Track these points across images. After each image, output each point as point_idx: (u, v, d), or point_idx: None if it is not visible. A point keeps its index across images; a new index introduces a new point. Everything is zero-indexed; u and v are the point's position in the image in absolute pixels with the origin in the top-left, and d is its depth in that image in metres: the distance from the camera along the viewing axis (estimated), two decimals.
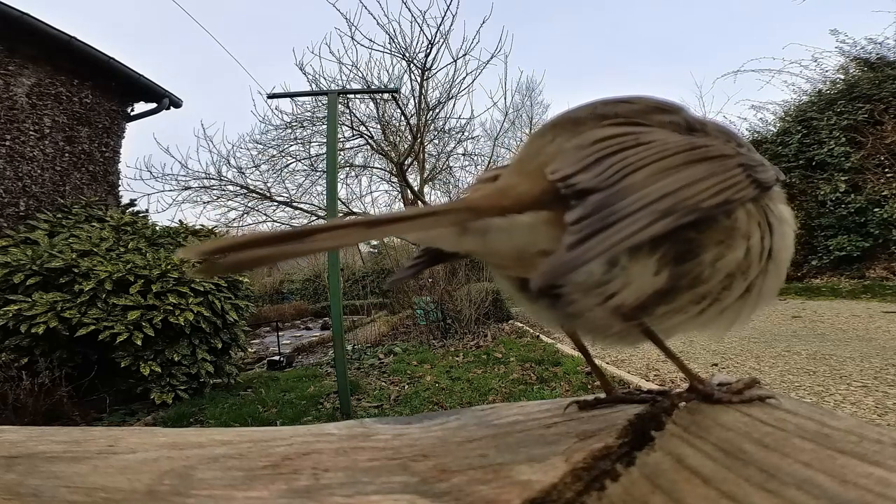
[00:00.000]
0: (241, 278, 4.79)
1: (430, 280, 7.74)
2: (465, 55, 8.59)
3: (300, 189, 9.97)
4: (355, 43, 8.98)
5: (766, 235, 0.34)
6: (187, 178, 9.23)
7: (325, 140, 8.10)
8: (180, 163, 9.67)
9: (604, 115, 0.36)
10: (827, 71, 10.53)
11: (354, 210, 10.25)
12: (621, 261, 0.31)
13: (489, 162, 11.28)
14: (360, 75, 8.82)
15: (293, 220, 10.12)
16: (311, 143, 9.84)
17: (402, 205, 10.32)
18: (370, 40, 8.38)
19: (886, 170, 8.79)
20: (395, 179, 10.14)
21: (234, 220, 9.82)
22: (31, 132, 4.91)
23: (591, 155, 0.31)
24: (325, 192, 4.73)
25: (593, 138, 0.33)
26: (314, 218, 9.90)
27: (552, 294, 0.34)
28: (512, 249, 0.32)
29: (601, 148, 0.32)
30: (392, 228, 0.28)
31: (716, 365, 4.19)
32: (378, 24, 8.58)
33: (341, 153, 9.85)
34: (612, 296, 0.32)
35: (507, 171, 0.37)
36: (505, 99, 17.14)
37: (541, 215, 0.31)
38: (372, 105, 9.68)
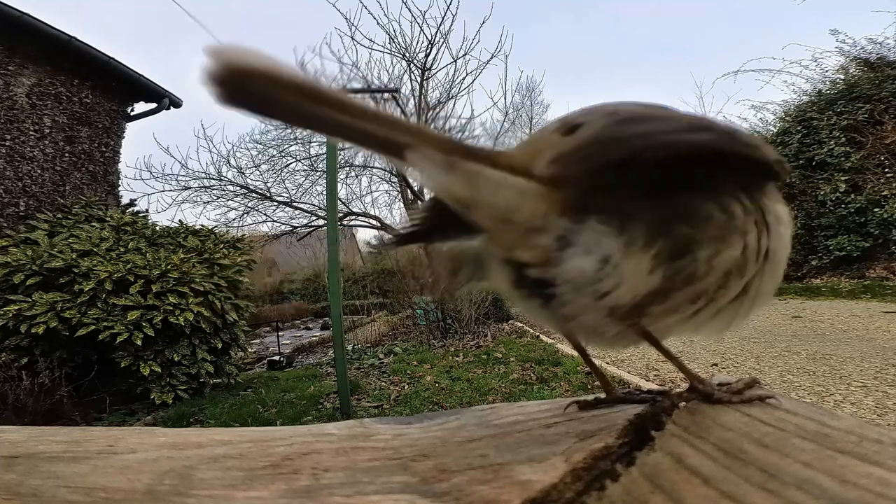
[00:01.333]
0: (241, 278, 4.79)
1: (430, 280, 7.73)
2: (465, 55, 8.59)
3: (300, 189, 9.97)
4: (355, 43, 8.97)
5: (763, 234, 0.34)
6: (187, 178, 9.23)
7: (325, 140, 8.10)
8: (180, 163, 9.64)
9: (615, 112, 0.36)
10: (827, 71, 10.54)
11: (354, 210, 10.25)
12: (614, 257, 0.31)
13: None
14: (360, 75, 8.84)
15: (293, 220, 10.13)
16: (311, 143, 9.83)
17: (402, 205, 10.32)
18: (370, 40, 8.40)
19: (886, 170, 8.79)
20: (395, 179, 10.13)
21: (234, 220, 9.82)
22: (31, 132, 4.91)
23: (595, 117, 0.33)
24: (325, 192, 4.73)
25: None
26: (314, 218, 9.89)
27: (545, 294, 0.34)
28: (497, 209, 0.32)
29: (606, 112, 0.34)
30: (390, 129, 0.29)
31: (716, 365, 4.19)
32: (378, 24, 8.58)
33: (341, 153, 9.84)
34: (606, 295, 0.32)
35: (510, 150, 0.37)
36: (505, 99, 17.12)
37: (532, 185, 0.31)
38: (372, 105, 9.66)
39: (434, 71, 8.69)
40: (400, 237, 0.41)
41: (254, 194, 9.58)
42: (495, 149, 0.36)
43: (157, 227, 5.04)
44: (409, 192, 9.67)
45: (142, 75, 6.03)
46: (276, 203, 9.76)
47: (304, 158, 9.87)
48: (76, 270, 3.82)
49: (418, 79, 8.70)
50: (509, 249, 0.34)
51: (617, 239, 0.31)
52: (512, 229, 0.32)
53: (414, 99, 9.02)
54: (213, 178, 9.31)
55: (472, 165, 0.30)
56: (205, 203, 9.40)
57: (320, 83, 0.27)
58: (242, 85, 0.26)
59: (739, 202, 0.33)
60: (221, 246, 4.96)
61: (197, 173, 9.28)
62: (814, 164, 9.45)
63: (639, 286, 0.32)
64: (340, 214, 9.27)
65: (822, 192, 9.18)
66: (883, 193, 8.59)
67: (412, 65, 8.55)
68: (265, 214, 10.00)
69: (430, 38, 8.18)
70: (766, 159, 0.34)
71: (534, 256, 0.33)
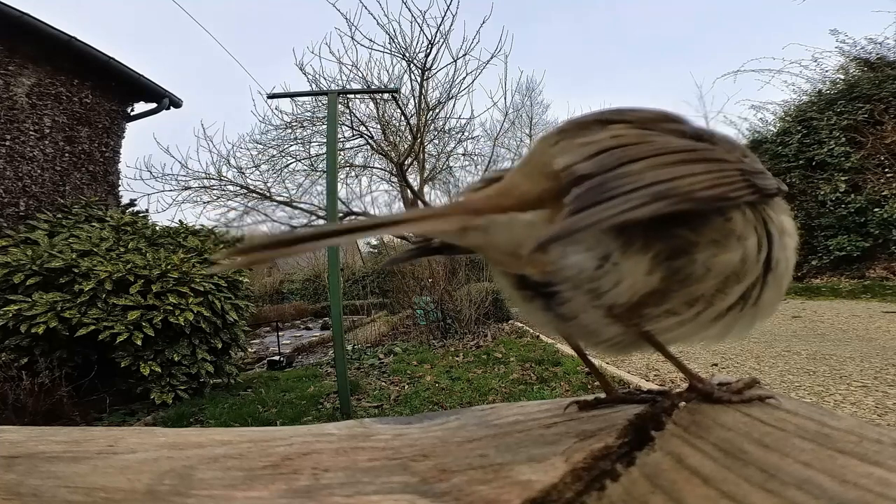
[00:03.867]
0: (241, 278, 4.79)
1: (430, 280, 7.73)
2: (465, 55, 8.58)
3: (300, 189, 9.97)
4: (355, 43, 8.97)
5: (763, 243, 0.34)
6: (187, 178, 9.22)
7: (325, 140, 8.09)
8: (180, 163, 9.65)
9: (610, 121, 0.36)
10: (827, 71, 10.54)
11: (354, 210, 10.25)
12: (613, 256, 0.31)
13: (489, 162, 11.28)
14: (360, 75, 8.82)
15: (293, 220, 10.12)
16: (311, 143, 9.83)
17: (401, 205, 10.31)
18: (370, 40, 8.38)
19: (886, 170, 8.79)
20: (395, 179, 10.13)
21: (233, 220, 9.83)
22: (31, 132, 4.91)
23: (593, 147, 0.33)
24: (325, 192, 4.73)
25: (598, 136, 0.34)
26: (314, 218, 9.89)
27: (546, 293, 0.35)
28: (511, 246, 0.33)
29: (604, 142, 0.33)
30: (396, 229, 0.30)
31: (716, 365, 4.19)
32: (378, 24, 8.56)
33: (341, 153, 9.85)
34: (605, 293, 0.32)
35: (510, 173, 0.38)
36: (505, 99, 17.15)
37: (541, 213, 0.32)
38: (372, 105, 9.67)
39: (434, 71, 8.69)
40: (411, 252, 0.42)
41: (254, 194, 9.58)
42: (497, 182, 0.37)
43: (157, 227, 5.03)
44: (408, 192, 9.67)
45: (142, 75, 6.03)
46: (276, 203, 9.76)
47: (304, 158, 9.87)
48: (76, 270, 3.82)
49: (418, 79, 8.70)
50: (518, 268, 0.35)
51: (616, 238, 0.31)
52: (519, 256, 0.33)
53: (414, 99, 9.02)
54: (213, 178, 9.31)
55: (482, 220, 0.31)
56: (205, 203, 9.40)
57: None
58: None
59: (739, 209, 0.33)
60: (221, 246, 4.96)
61: (197, 173, 9.28)
62: (814, 164, 9.45)
63: (637, 285, 0.32)
64: (340, 214, 9.26)
65: (822, 192, 9.18)
66: (883, 193, 8.59)
67: (412, 65, 8.55)
68: (265, 214, 10.01)
69: (430, 38, 8.18)
70: (770, 191, 0.35)
71: (537, 269, 0.34)
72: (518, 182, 0.35)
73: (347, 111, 9.21)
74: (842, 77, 10.09)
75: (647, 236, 0.31)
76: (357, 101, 9.46)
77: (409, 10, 7.97)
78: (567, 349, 4.97)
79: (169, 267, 4.09)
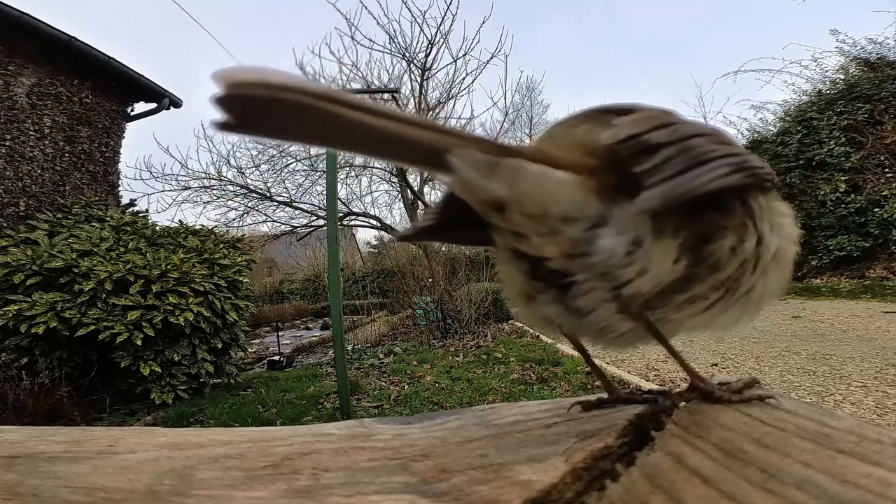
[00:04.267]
0: (241, 278, 4.79)
1: (430, 280, 7.74)
2: (465, 55, 8.59)
3: (300, 189, 9.97)
4: (355, 43, 8.97)
5: (773, 230, 0.35)
6: (187, 178, 9.23)
7: None
8: (180, 163, 9.65)
9: (629, 111, 0.36)
10: (827, 71, 10.55)
11: (354, 210, 10.25)
12: (645, 242, 0.30)
13: None
14: (360, 75, 8.83)
15: (293, 220, 10.13)
16: None
17: (402, 205, 10.32)
18: (370, 40, 8.40)
19: (886, 170, 8.78)
20: (395, 179, 10.13)
21: (234, 220, 9.82)
22: (31, 132, 4.91)
23: (652, 122, 0.32)
24: (325, 192, 4.73)
25: (638, 115, 0.34)
26: (314, 218, 9.89)
27: (561, 284, 0.33)
28: (538, 203, 0.30)
29: (656, 118, 0.33)
30: (432, 134, 0.27)
31: (716, 365, 4.19)
32: (378, 24, 8.58)
33: (341, 153, 9.83)
34: (628, 283, 0.31)
35: (533, 144, 0.37)
36: (505, 99, 17.17)
37: (573, 177, 0.30)
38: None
39: (434, 71, 8.70)
40: (415, 231, 0.40)
41: (254, 194, 9.58)
42: (525, 145, 0.36)
43: (157, 227, 5.03)
44: (408, 192, 9.67)
45: (142, 75, 6.03)
46: (276, 203, 9.76)
47: (304, 158, 9.87)
48: (76, 270, 3.82)
49: (418, 79, 8.71)
50: (536, 246, 0.33)
51: (650, 223, 0.30)
52: (544, 223, 0.31)
53: (414, 99, 9.02)
54: (213, 178, 9.31)
55: (515, 161, 0.29)
56: (205, 203, 9.41)
57: (349, 93, 0.26)
58: (262, 104, 0.23)
59: (754, 197, 0.34)
60: (221, 246, 4.96)
61: (197, 173, 9.28)
62: (814, 164, 9.45)
63: (662, 274, 0.32)
64: (340, 214, 9.27)
65: (822, 192, 9.18)
66: (883, 193, 8.59)
67: (412, 65, 8.56)
68: (265, 214, 10.01)
69: (430, 38, 8.19)
70: (775, 181, 0.36)
71: (560, 249, 0.32)
72: (546, 148, 0.33)
73: None
74: (842, 77, 10.09)
75: (677, 222, 0.31)
76: None
77: (409, 10, 8.00)
78: (567, 349, 4.97)
79: (169, 267, 4.09)
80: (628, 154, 0.30)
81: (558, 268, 0.32)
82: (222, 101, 0.22)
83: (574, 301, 0.33)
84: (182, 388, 4.07)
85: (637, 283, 0.31)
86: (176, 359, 4.00)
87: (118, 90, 6.01)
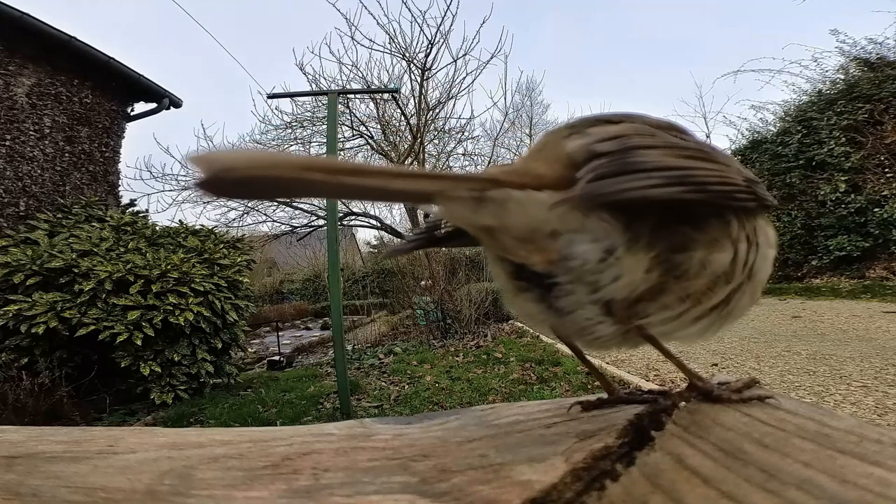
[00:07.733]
0: (241, 278, 4.79)
1: (430, 280, 7.73)
2: (465, 55, 8.58)
3: None
4: (355, 43, 8.97)
5: (751, 249, 0.35)
6: (187, 178, 9.23)
7: (325, 140, 8.10)
8: (180, 163, 9.63)
9: (619, 121, 0.37)
10: (827, 71, 10.53)
11: (354, 210, 10.24)
12: (617, 250, 0.32)
13: (489, 162, 11.27)
14: (360, 75, 8.82)
15: (293, 220, 10.13)
16: (311, 143, 9.83)
17: (401, 205, 10.30)
18: (370, 40, 8.38)
19: (886, 170, 8.78)
20: None
21: (234, 220, 9.83)
22: (31, 132, 4.91)
23: (611, 132, 0.34)
24: None
25: (612, 128, 0.35)
26: (314, 218, 9.89)
27: (543, 285, 0.34)
28: (525, 226, 0.32)
29: (620, 130, 0.34)
30: (417, 183, 0.29)
31: (716, 365, 4.19)
32: (378, 24, 8.57)
33: (341, 153, 9.83)
34: (603, 288, 0.33)
35: (521, 159, 0.38)
36: (505, 99, 17.17)
37: (556, 195, 0.31)
38: (372, 105, 9.67)
39: (434, 71, 8.69)
40: (414, 242, 0.41)
41: None
42: (509, 165, 0.37)
43: (157, 227, 5.03)
44: None
45: (142, 75, 6.03)
46: (276, 203, 9.75)
47: None
48: (76, 270, 3.82)
49: (418, 79, 8.69)
50: (522, 257, 0.34)
51: (624, 233, 0.32)
52: (532, 242, 0.33)
53: (414, 99, 9.01)
54: None
55: (500, 193, 0.30)
56: (205, 203, 9.42)
57: (332, 160, 0.27)
58: (246, 182, 0.24)
59: (735, 213, 0.35)
60: (221, 246, 4.96)
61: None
62: (814, 164, 9.44)
63: (635, 283, 0.32)
64: (340, 214, 9.27)
65: (822, 192, 9.17)
66: (883, 193, 8.58)
67: (412, 65, 8.54)
68: (265, 214, 10.02)
69: (430, 38, 8.18)
70: (768, 202, 0.36)
71: (543, 258, 0.33)
72: (532, 166, 0.35)
73: (347, 111, 9.22)
74: (842, 77, 10.08)
75: (652, 233, 0.32)
76: (357, 101, 9.47)
77: (409, 10, 7.99)
78: (567, 349, 4.97)
79: (169, 267, 4.09)
80: (582, 162, 0.32)
81: (541, 270, 0.34)
82: (205, 185, 0.23)
83: (556, 301, 0.35)
84: (182, 388, 4.07)
85: (611, 289, 0.32)
86: (176, 359, 4.00)
87: (118, 90, 6.01)
